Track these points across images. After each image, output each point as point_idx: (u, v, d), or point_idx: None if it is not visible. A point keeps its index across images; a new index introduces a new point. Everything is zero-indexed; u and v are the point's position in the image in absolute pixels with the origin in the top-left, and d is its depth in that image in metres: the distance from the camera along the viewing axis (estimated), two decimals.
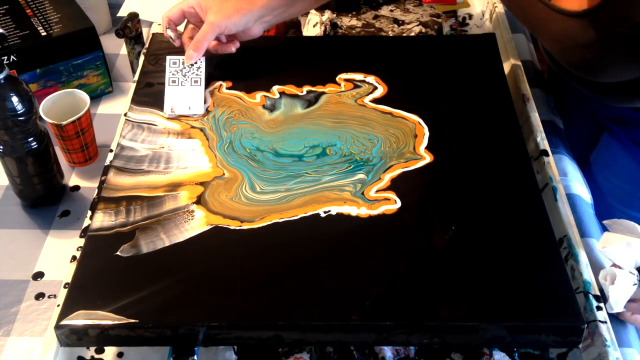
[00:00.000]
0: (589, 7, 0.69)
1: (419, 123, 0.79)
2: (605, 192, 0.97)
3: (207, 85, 0.84)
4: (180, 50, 0.85)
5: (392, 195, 0.71)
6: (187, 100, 0.81)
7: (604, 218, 0.73)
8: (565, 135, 0.94)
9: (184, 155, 0.75)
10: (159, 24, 0.97)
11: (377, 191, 0.71)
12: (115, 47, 1.08)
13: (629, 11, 0.66)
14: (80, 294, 0.62)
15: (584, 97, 0.90)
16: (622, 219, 0.69)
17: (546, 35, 0.79)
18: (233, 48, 0.86)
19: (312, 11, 1.06)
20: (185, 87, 0.81)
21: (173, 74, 0.82)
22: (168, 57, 0.83)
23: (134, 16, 0.96)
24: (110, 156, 0.76)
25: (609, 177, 0.97)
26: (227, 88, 0.84)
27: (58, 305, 0.63)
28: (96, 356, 0.68)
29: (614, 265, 0.68)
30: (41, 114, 0.82)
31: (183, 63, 0.83)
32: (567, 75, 0.84)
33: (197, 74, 0.82)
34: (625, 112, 0.92)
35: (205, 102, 0.82)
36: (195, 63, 0.83)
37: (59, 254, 0.79)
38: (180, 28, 0.87)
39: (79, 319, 0.60)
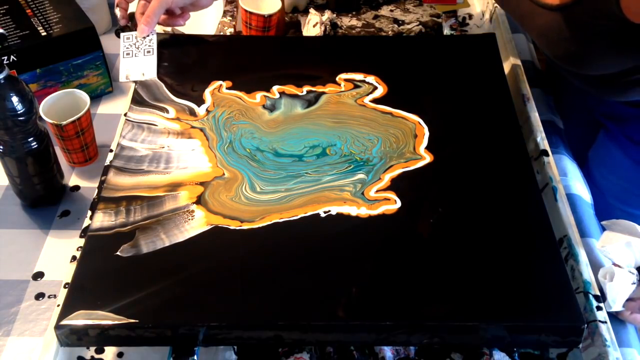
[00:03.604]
0: (567, 1, 0.70)
1: (419, 123, 0.79)
2: (603, 190, 0.97)
3: (207, 84, 0.84)
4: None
5: (392, 195, 0.71)
6: (141, 68, 0.86)
7: (602, 215, 0.73)
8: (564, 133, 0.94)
9: (184, 155, 0.75)
10: (159, 24, 0.97)
11: (377, 191, 0.71)
12: (115, 47, 1.08)
13: (604, 3, 0.66)
14: (80, 294, 0.62)
15: (580, 93, 0.91)
16: (619, 215, 0.69)
17: (532, 30, 0.80)
18: (182, 21, 0.90)
19: (312, 11, 1.06)
20: (139, 58, 0.87)
21: (127, 48, 0.88)
22: (122, 34, 0.89)
23: (134, 16, 0.96)
24: (110, 156, 0.76)
25: (605, 174, 0.98)
26: (227, 88, 0.84)
27: (58, 305, 0.63)
28: (96, 356, 0.68)
29: (614, 264, 0.68)
30: (41, 114, 0.82)
31: (136, 37, 0.88)
32: (563, 69, 0.85)
33: (149, 45, 0.88)
34: (620, 109, 0.92)
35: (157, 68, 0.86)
36: (148, 36, 0.88)
37: (59, 254, 0.78)
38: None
39: (79, 319, 0.60)
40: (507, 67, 0.92)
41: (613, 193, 0.97)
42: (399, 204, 0.70)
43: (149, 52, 0.86)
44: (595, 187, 0.95)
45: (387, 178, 0.73)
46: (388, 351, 0.67)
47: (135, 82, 0.85)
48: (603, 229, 0.71)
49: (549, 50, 0.79)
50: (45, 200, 0.84)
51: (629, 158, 0.93)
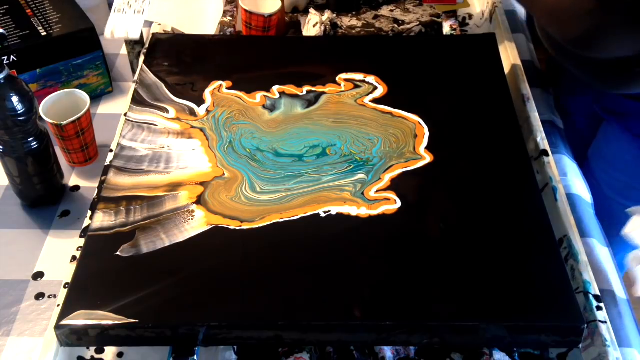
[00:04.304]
0: None
1: (419, 123, 0.79)
2: (603, 184, 0.97)
3: (207, 84, 0.84)
4: None
5: (392, 195, 0.71)
6: (127, 26, 0.88)
7: (602, 211, 0.73)
8: (564, 129, 0.94)
9: (184, 155, 0.75)
10: (159, 24, 0.98)
11: (377, 191, 0.71)
12: (115, 47, 1.08)
13: None
14: (80, 294, 0.62)
15: (581, 89, 0.90)
16: (619, 210, 0.69)
17: (542, 11, 0.79)
18: None
19: (312, 11, 1.06)
20: (128, 15, 0.89)
21: (120, 4, 0.90)
22: None
23: None
24: (110, 156, 0.76)
25: (606, 168, 0.98)
26: (227, 88, 0.84)
27: (58, 305, 0.63)
28: (96, 356, 0.68)
29: None
30: (41, 114, 0.82)
31: None
32: (567, 61, 0.84)
33: (141, 5, 0.90)
34: (622, 103, 0.92)
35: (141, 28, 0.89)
36: None
37: (59, 254, 0.78)
38: None
39: (79, 319, 0.60)
40: (507, 67, 0.92)
41: (612, 187, 0.97)
42: (399, 204, 0.70)
43: (139, 12, 0.88)
44: (595, 181, 0.95)
45: (387, 178, 0.73)
46: (388, 351, 0.67)
47: (134, 56, 0.87)
48: (604, 228, 0.71)
49: (560, 31, 0.77)
50: (45, 200, 0.84)
51: (631, 152, 0.93)
